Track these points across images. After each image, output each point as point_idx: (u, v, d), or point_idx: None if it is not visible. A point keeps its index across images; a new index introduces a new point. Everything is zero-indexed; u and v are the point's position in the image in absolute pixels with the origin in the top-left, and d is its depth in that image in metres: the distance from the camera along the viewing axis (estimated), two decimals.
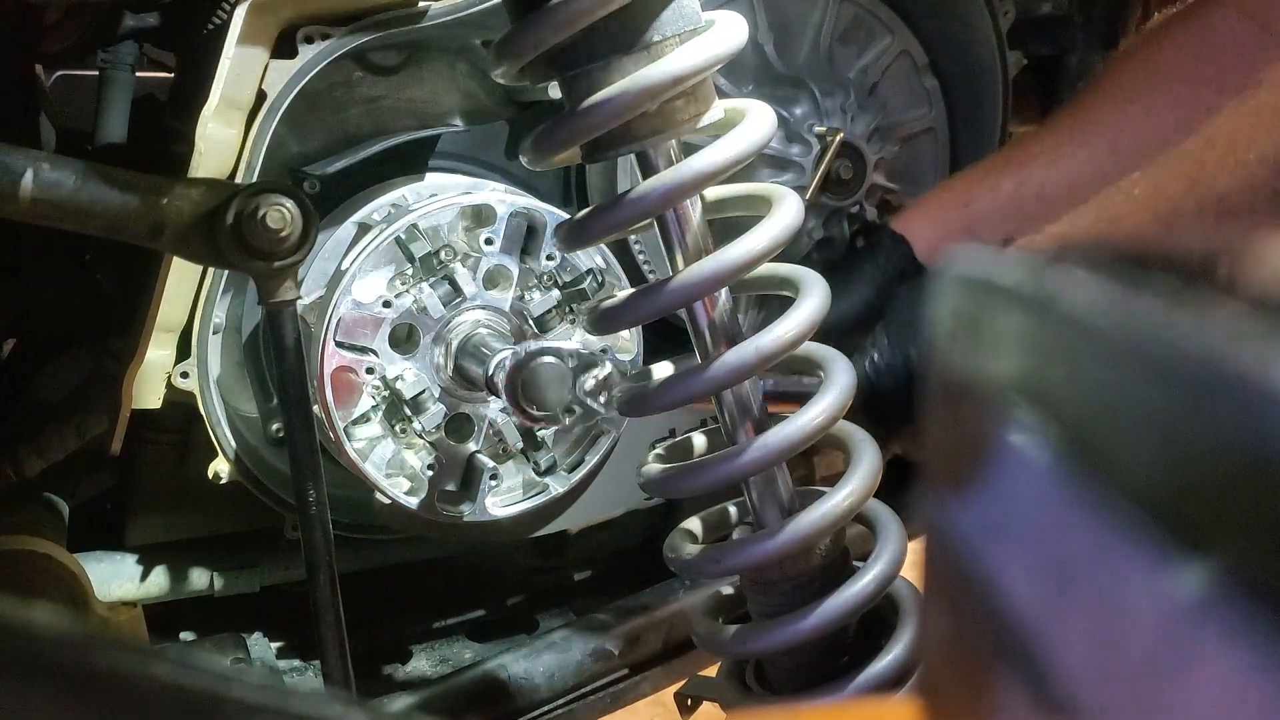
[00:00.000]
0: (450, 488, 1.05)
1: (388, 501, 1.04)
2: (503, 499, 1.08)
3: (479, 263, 1.02)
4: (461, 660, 1.21)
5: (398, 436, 1.02)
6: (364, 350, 1.00)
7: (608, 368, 0.95)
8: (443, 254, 1.01)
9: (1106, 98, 1.11)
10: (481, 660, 1.14)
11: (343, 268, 1.00)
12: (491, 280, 1.03)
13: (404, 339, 1.02)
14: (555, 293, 1.05)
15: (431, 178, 1.10)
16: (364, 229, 1.04)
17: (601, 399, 0.95)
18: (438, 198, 1.03)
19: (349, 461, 1.01)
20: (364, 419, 1.01)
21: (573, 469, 1.10)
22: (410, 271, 1.01)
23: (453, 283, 1.02)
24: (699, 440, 0.97)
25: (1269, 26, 1.00)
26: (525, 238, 1.04)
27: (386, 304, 1.00)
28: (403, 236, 0.99)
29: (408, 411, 1.01)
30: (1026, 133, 1.23)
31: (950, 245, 1.12)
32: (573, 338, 1.06)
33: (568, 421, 0.96)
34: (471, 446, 1.05)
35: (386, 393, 1.01)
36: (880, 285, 1.12)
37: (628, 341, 1.08)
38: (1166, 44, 1.09)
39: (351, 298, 0.99)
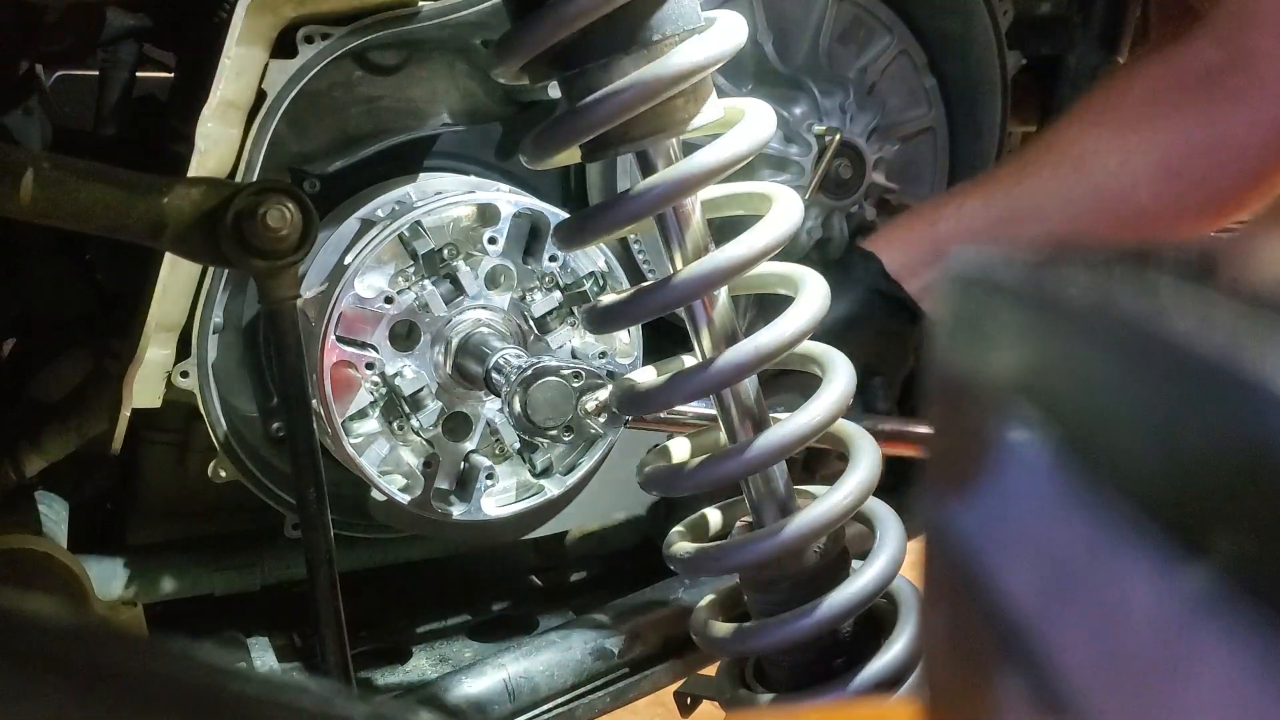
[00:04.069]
0: (446, 486, 1.05)
1: (383, 498, 1.04)
2: (498, 499, 1.08)
3: (481, 262, 1.03)
4: (461, 660, 1.21)
5: (395, 433, 1.02)
6: (364, 346, 1.00)
7: (609, 391, 0.95)
8: (445, 252, 1.01)
9: (1073, 121, 1.13)
10: (481, 660, 1.14)
11: (345, 263, 1.01)
12: (493, 280, 1.03)
13: (404, 336, 1.02)
14: (556, 294, 1.05)
15: (432, 177, 1.10)
16: (367, 225, 1.04)
17: (602, 420, 0.95)
18: (442, 196, 1.03)
19: (346, 457, 1.01)
20: (362, 415, 1.01)
21: (569, 471, 1.10)
22: (412, 269, 1.01)
23: (455, 281, 1.02)
24: (698, 440, 0.97)
25: (1240, 47, 1.01)
26: (528, 238, 1.05)
27: (388, 300, 1.00)
28: (406, 234, 1.00)
29: (406, 409, 1.01)
30: (1004, 160, 1.26)
31: (918, 263, 1.18)
32: (572, 340, 1.06)
33: (567, 440, 0.96)
34: (468, 445, 1.05)
35: (385, 389, 1.01)
36: (851, 302, 1.14)
37: (627, 345, 1.08)
38: (1138, 72, 1.11)
39: (353, 293, 0.99)
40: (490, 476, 1.06)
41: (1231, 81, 1.02)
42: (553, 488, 1.09)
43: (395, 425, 1.02)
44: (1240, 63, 1.01)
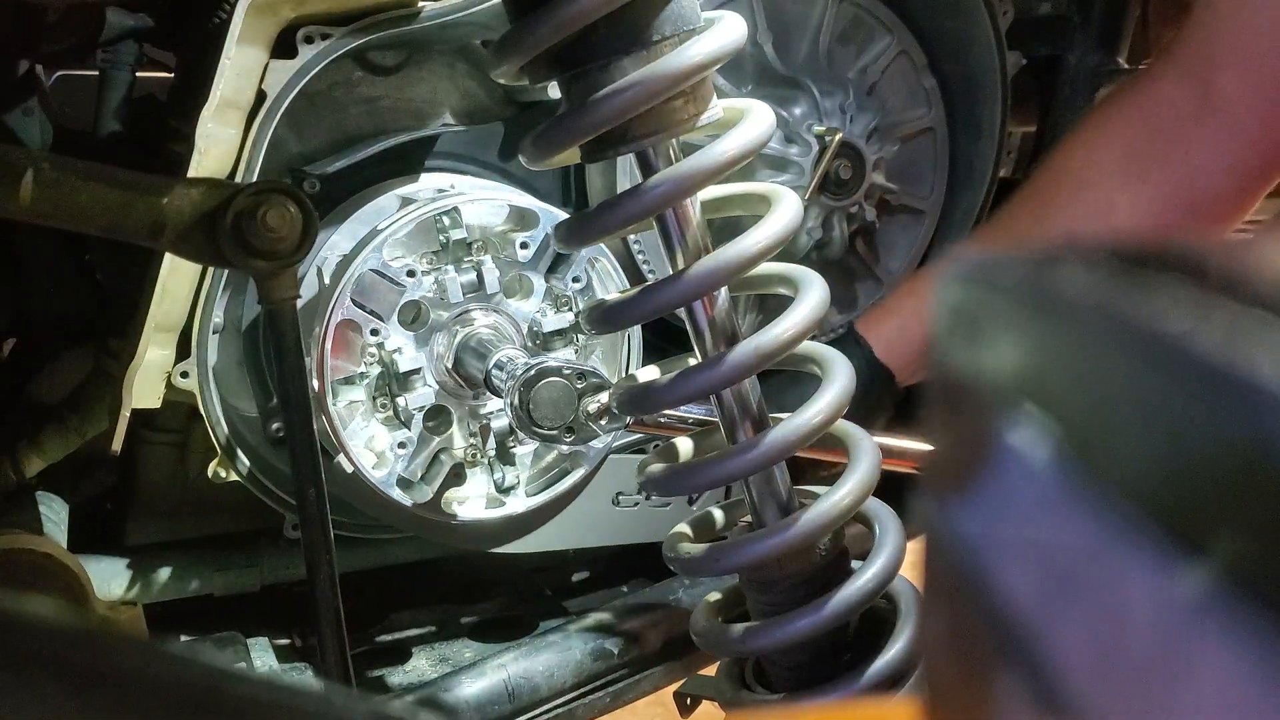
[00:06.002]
0: (412, 475, 1.05)
1: (350, 470, 1.02)
2: (461, 501, 1.07)
3: (507, 265, 1.03)
4: (461, 660, 1.21)
5: (377, 409, 1.02)
6: (373, 314, 1.00)
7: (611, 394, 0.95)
8: (474, 246, 1.02)
9: (1060, 182, 1.14)
10: (481, 660, 1.14)
11: (378, 228, 1.01)
12: (513, 287, 1.04)
13: (412, 319, 1.02)
14: (569, 316, 1.05)
15: (433, 178, 1.10)
16: (407, 202, 1.05)
17: (603, 422, 0.95)
18: (487, 189, 1.04)
19: (328, 417, 1.00)
20: (350, 381, 1.01)
21: (532, 495, 1.09)
22: (439, 252, 1.02)
23: (479, 275, 1.02)
24: (699, 440, 0.97)
25: (1208, 89, 1.02)
26: (555, 255, 1.05)
27: (411, 273, 1.00)
28: (444, 219, 1.00)
29: (395, 387, 1.01)
30: (988, 224, 1.26)
31: (912, 354, 1.17)
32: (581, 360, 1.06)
33: (568, 441, 0.96)
34: (444, 441, 1.05)
35: (380, 365, 1.01)
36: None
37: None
38: (1115, 119, 1.12)
39: (380, 256, 0.99)
40: (458, 476, 1.05)
41: (1203, 127, 1.04)
42: (514, 506, 1.08)
43: (379, 402, 1.02)
44: (1208, 106, 1.03)
